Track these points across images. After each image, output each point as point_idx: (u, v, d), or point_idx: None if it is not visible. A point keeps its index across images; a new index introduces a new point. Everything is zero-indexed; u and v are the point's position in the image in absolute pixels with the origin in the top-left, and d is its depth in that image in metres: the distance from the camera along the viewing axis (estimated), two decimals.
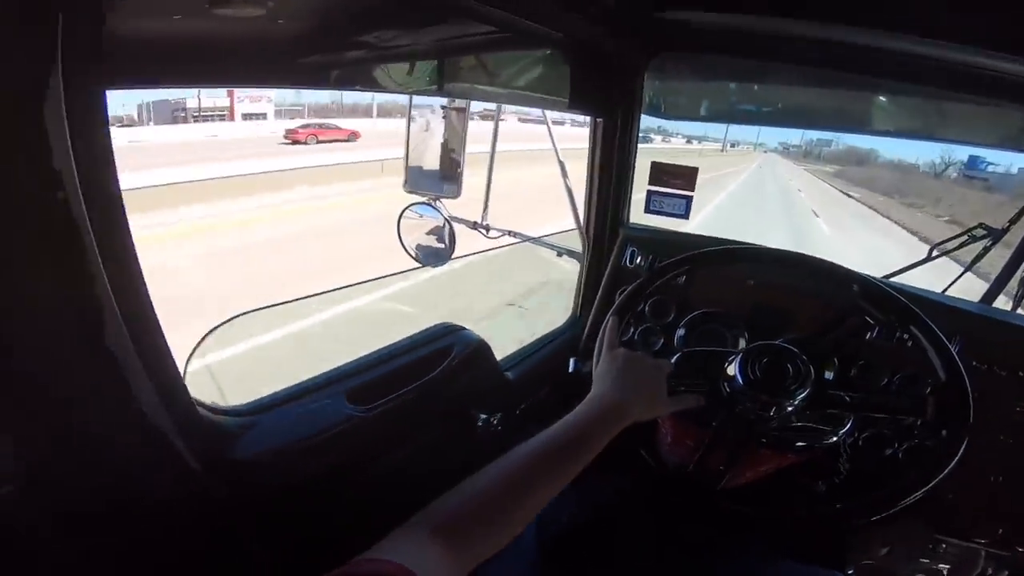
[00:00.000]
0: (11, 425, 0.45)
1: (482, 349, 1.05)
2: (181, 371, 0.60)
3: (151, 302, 0.52)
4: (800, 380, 0.82)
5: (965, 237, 1.21)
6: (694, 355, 0.95)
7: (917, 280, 1.19)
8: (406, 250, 1.35)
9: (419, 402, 0.91)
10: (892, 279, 1.17)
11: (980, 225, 1.21)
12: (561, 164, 1.35)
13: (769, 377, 0.82)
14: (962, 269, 1.26)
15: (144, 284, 0.51)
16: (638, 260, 1.23)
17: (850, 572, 1.09)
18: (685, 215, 1.28)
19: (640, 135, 1.29)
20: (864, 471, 0.86)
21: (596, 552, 1.04)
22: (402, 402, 0.88)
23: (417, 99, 1.14)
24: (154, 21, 0.50)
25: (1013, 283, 1.23)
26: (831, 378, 0.97)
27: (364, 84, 0.79)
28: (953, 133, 1.35)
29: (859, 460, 0.87)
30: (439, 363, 0.96)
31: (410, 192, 1.30)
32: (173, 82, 0.58)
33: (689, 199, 1.27)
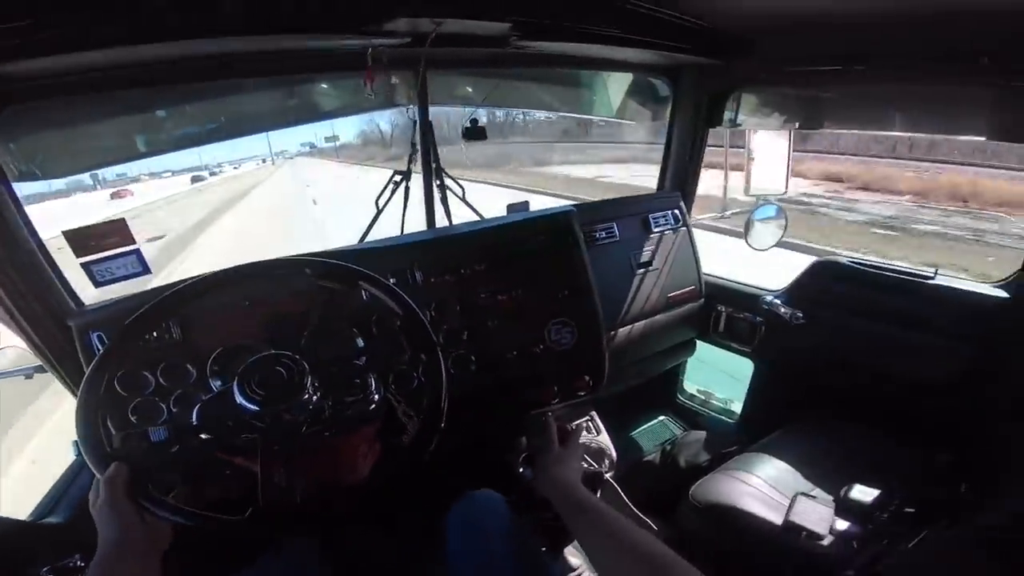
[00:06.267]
0: None
1: None
2: None
3: None
4: (297, 374, 0.82)
5: (392, 185, 1.48)
6: (210, 403, 0.84)
7: None
8: None
9: None
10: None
11: (396, 172, 1.50)
12: None
13: (271, 387, 0.80)
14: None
15: None
16: None
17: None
18: (145, 270, 1.11)
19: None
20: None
21: None
22: None
23: None
24: None
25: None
26: (363, 345, 1.03)
27: None
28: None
29: (415, 401, 0.89)
30: None
31: None
32: None
33: (138, 252, 1.10)
